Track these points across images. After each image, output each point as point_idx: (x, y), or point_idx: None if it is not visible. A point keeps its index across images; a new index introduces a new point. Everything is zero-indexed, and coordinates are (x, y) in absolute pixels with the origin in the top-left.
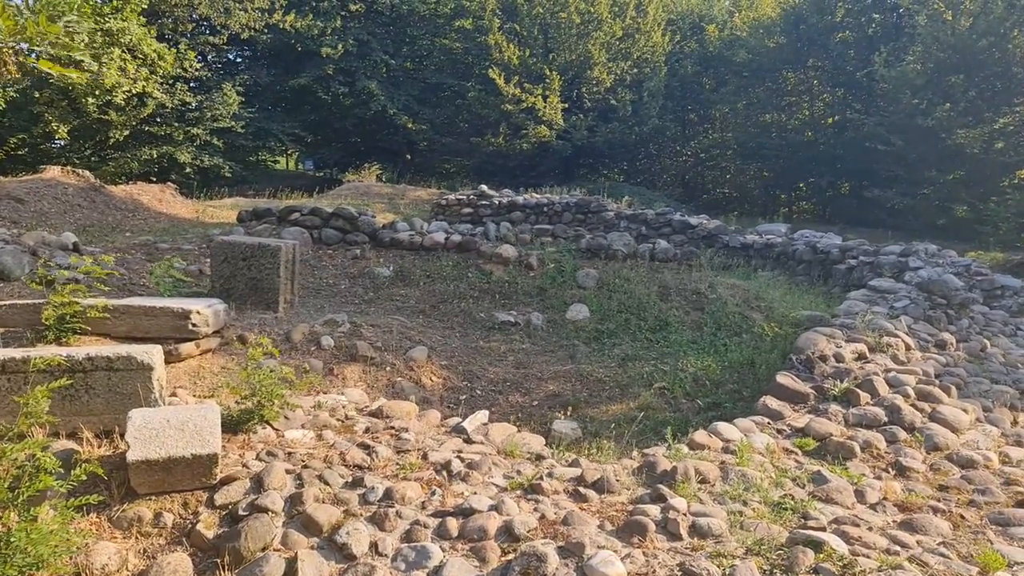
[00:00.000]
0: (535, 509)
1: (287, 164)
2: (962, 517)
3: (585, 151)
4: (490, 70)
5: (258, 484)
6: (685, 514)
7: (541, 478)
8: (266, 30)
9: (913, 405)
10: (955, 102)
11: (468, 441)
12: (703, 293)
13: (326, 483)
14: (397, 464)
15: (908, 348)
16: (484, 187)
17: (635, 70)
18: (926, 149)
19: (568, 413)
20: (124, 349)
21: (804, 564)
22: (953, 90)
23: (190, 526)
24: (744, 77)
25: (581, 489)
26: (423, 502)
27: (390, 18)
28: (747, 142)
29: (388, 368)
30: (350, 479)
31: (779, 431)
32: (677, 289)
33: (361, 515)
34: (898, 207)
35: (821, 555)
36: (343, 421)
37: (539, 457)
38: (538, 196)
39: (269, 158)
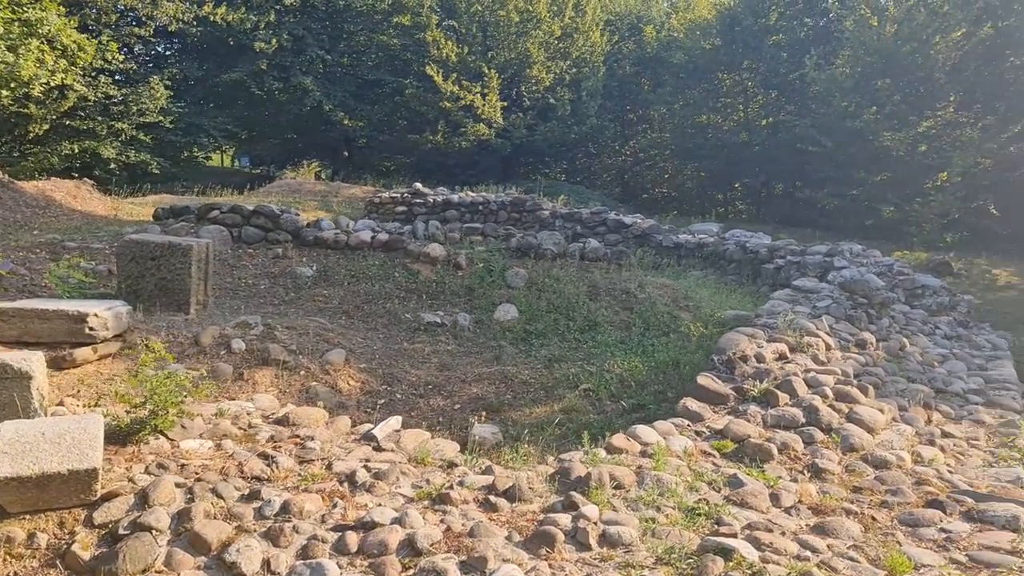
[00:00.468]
0: (442, 520)
1: (222, 161)
2: (873, 519)
3: (525, 150)
4: (428, 67)
5: (143, 500)
6: (596, 523)
7: (451, 487)
8: (196, 23)
9: (831, 406)
10: (881, 105)
11: (378, 449)
12: (633, 293)
13: (220, 497)
14: (299, 475)
15: (828, 348)
16: (419, 185)
17: (574, 69)
18: (855, 151)
19: (490, 417)
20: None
21: (713, 573)
22: (879, 94)
23: (65, 547)
24: (681, 78)
25: (492, 498)
26: (323, 515)
27: (326, 13)
28: (684, 142)
29: (303, 372)
30: (246, 492)
31: (698, 433)
32: (607, 289)
33: (255, 531)
34: (829, 207)
35: (731, 563)
36: (246, 430)
37: (451, 465)
38: (473, 195)
39: (201, 154)
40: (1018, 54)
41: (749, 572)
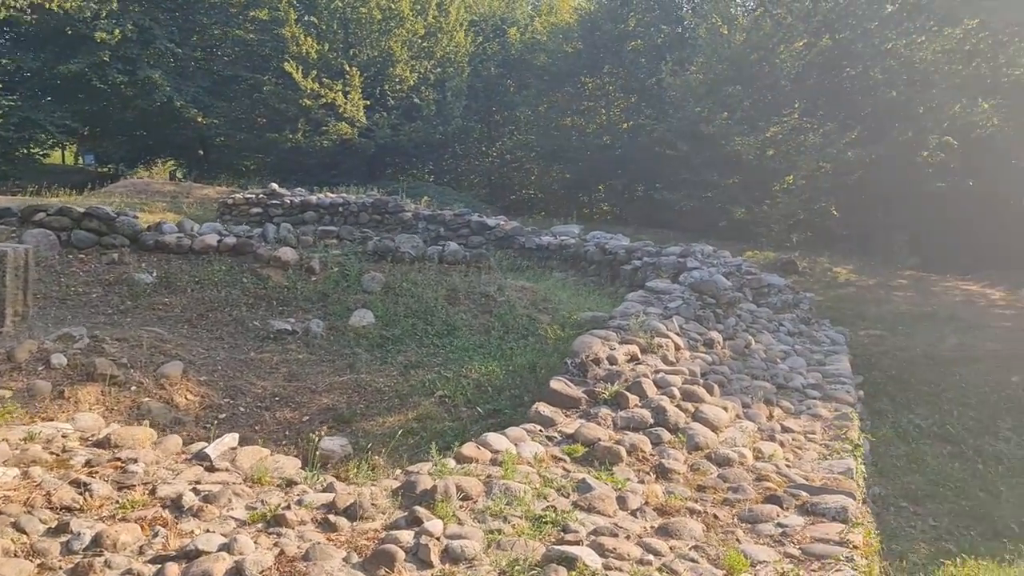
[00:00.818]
0: (275, 544)
1: (63, 158)
2: (716, 517)
3: (390, 150)
4: (287, 63)
5: None
6: (439, 538)
7: (288, 507)
8: (30, 10)
9: (678, 405)
10: (732, 111)
11: (211, 469)
12: (492, 296)
13: (22, 531)
14: (116, 503)
15: (678, 348)
16: (274, 186)
17: (439, 69)
18: (709, 154)
19: (340, 428)
20: None
21: None
22: (731, 100)
23: None
24: (545, 80)
25: (332, 517)
26: (141, 546)
27: (175, 3)
28: (549, 144)
29: (134, 387)
30: (54, 525)
31: (550, 438)
32: (466, 292)
33: (61, 568)
34: (686, 209)
35: (574, 572)
36: (59, 454)
37: (290, 483)
38: (333, 196)
39: (39, 151)
40: (854, 65)
41: None
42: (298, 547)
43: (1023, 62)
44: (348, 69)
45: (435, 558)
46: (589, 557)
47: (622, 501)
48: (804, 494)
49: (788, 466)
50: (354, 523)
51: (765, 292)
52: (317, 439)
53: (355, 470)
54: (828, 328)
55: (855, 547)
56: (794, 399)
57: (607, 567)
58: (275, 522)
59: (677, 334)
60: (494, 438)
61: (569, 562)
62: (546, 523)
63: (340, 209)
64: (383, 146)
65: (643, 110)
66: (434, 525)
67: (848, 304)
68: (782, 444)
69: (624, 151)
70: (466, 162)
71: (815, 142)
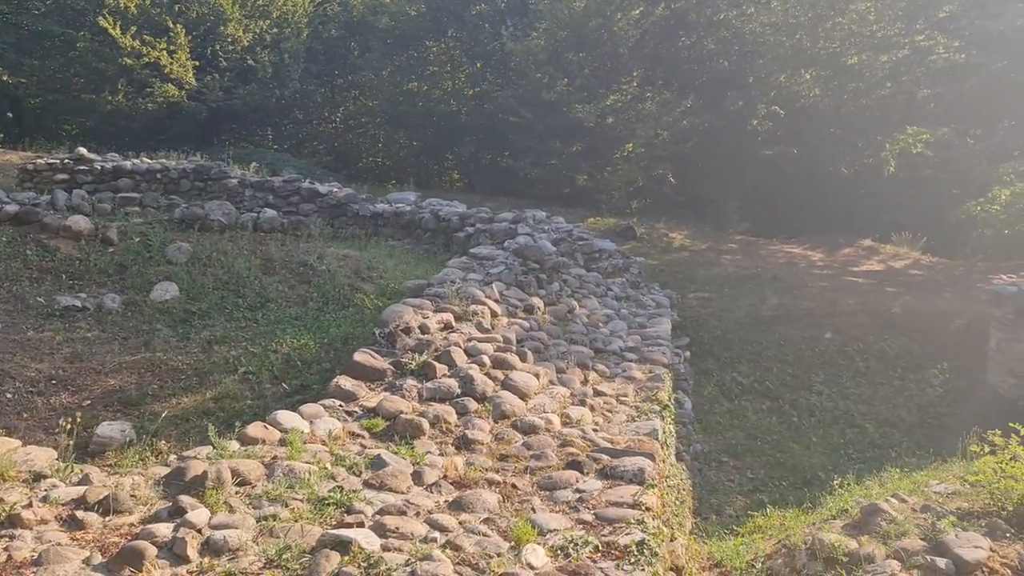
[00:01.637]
0: (5, 549)
1: None
2: (514, 487)
3: (224, 114)
4: (102, 18)
5: None
6: (202, 529)
7: (28, 505)
8: None
9: (487, 374)
10: (573, 78)
11: None
12: (311, 265)
13: None
14: None
15: (495, 315)
16: (83, 150)
17: (275, 30)
18: (552, 122)
19: (126, 412)
20: None
21: (326, 570)
22: (571, 67)
23: None
24: (388, 44)
25: (80, 513)
26: None
27: None
28: (394, 110)
29: None
30: None
31: (350, 414)
32: (283, 262)
33: None
34: (531, 176)
35: (347, 557)
36: None
37: (39, 477)
38: (151, 161)
39: None
40: (689, 35)
41: (365, 564)
42: (32, 550)
43: (837, 36)
44: (173, 26)
45: (192, 552)
46: (367, 539)
47: (418, 476)
48: (606, 458)
49: (595, 430)
50: (107, 518)
51: (596, 257)
52: (96, 426)
53: (134, 458)
54: (657, 292)
55: (647, 509)
56: (611, 363)
57: (386, 548)
58: (9, 523)
59: (496, 301)
60: (285, 416)
61: (343, 546)
62: (329, 505)
63: (159, 176)
64: (216, 110)
65: (487, 76)
66: (199, 515)
67: (681, 268)
68: (592, 408)
69: (470, 118)
70: (308, 128)
71: (653, 110)
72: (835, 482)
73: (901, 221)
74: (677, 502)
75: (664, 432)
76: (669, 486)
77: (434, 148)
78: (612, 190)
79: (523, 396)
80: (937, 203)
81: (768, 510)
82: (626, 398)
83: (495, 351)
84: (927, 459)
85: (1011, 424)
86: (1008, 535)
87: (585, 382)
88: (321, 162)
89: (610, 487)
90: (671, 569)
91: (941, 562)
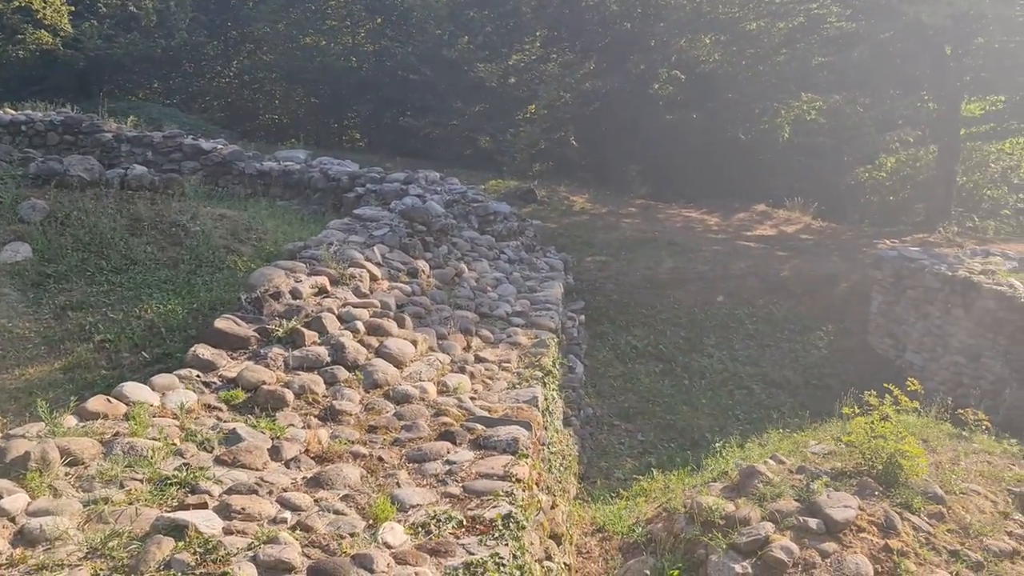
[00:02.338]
0: None
1: None
2: (381, 460)
3: (104, 64)
4: None
5: None
6: (15, 517)
7: None
8: None
9: (361, 341)
10: (474, 36)
11: None
12: (184, 225)
13: None
14: None
15: (375, 279)
16: None
17: None
18: (453, 80)
19: None
20: None
21: (157, 558)
22: (472, 24)
23: None
24: None
25: None
26: None
27: None
28: (289, 65)
29: None
30: None
31: (207, 385)
32: (152, 221)
33: None
34: (432, 137)
35: (182, 543)
36: None
37: None
38: (14, 113)
39: None
40: None
41: (201, 550)
42: None
43: (737, 1)
44: None
45: (2, 543)
46: (207, 522)
47: (276, 451)
48: (480, 427)
49: (473, 398)
50: None
51: (491, 220)
52: None
53: None
54: (553, 255)
55: (518, 480)
56: (497, 328)
57: (228, 531)
58: None
59: (377, 264)
60: (133, 388)
61: (178, 531)
62: (172, 485)
63: (23, 128)
64: (95, 60)
65: (388, 32)
66: (15, 501)
67: (580, 231)
68: (473, 376)
69: (371, 75)
70: (200, 82)
71: (555, 72)
72: (717, 444)
73: (795, 186)
74: (561, 468)
75: (546, 399)
76: (552, 452)
77: (334, 106)
78: (514, 152)
79: (398, 364)
80: (829, 169)
81: (654, 473)
82: (509, 364)
83: (371, 317)
84: (809, 419)
85: (886, 384)
86: (877, 493)
87: (468, 348)
88: (213, 118)
89: (482, 458)
90: (550, 536)
91: (813, 522)
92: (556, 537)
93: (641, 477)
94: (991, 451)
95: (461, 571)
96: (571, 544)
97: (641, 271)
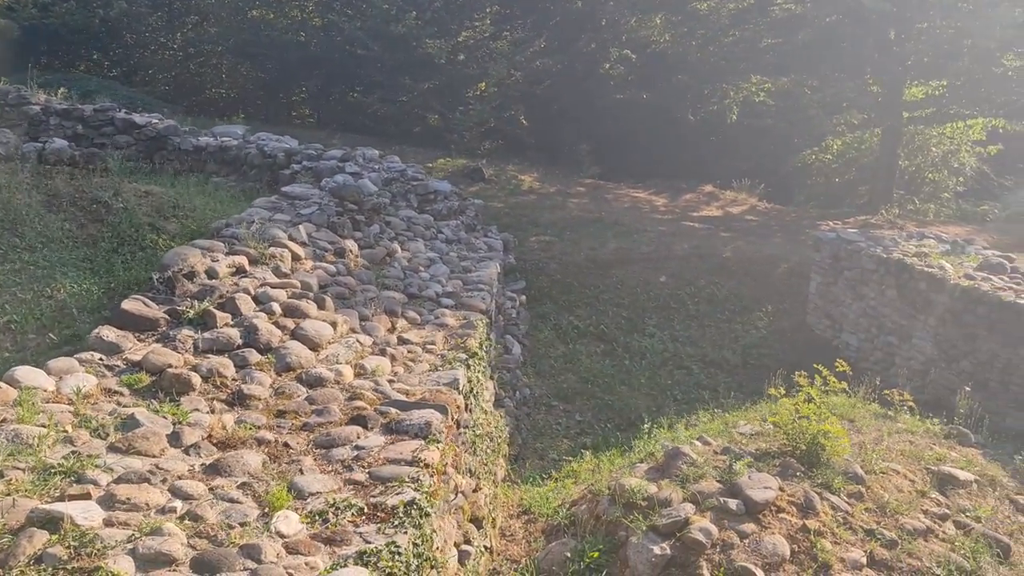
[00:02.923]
0: None
1: None
2: (287, 446)
3: (40, 34)
4: None
5: None
6: None
7: None
8: None
9: (276, 322)
10: (423, 11)
11: None
12: (106, 202)
13: None
14: None
15: (298, 258)
16: None
17: None
18: (402, 57)
19: None
20: None
21: (27, 552)
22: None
23: None
24: None
25: None
26: None
27: None
28: (235, 38)
29: None
30: None
31: (110, 368)
32: (72, 198)
33: None
34: (381, 114)
35: (56, 536)
36: None
37: None
38: None
39: None
40: None
41: (76, 544)
42: None
43: None
44: None
45: None
46: (85, 513)
47: (176, 437)
48: (394, 411)
49: (392, 381)
50: None
51: (431, 199)
52: None
53: None
54: (494, 235)
55: (426, 465)
56: (425, 309)
57: (109, 522)
58: None
59: (302, 243)
60: (25, 372)
61: (53, 523)
62: (56, 475)
63: None
64: (30, 29)
65: (335, 6)
66: None
67: (526, 211)
68: (394, 358)
69: (319, 50)
70: (142, 54)
71: (506, 49)
72: (646, 425)
73: (743, 168)
74: (489, 450)
75: (470, 381)
76: (477, 435)
77: (282, 81)
78: (463, 130)
79: (314, 346)
80: (777, 151)
81: (587, 455)
82: (434, 346)
83: (289, 298)
84: (745, 400)
85: (815, 365)
86: (799, 474)
87: (392, 330)
88: (156, 92)
89: (392, 443)
90: (471, 520)
91: (733, 503)
92: (477, 520)
93: (570, 459)
94: (914, 431)
95: (353, 560)
96: (494, 527)
97: (585, 251)
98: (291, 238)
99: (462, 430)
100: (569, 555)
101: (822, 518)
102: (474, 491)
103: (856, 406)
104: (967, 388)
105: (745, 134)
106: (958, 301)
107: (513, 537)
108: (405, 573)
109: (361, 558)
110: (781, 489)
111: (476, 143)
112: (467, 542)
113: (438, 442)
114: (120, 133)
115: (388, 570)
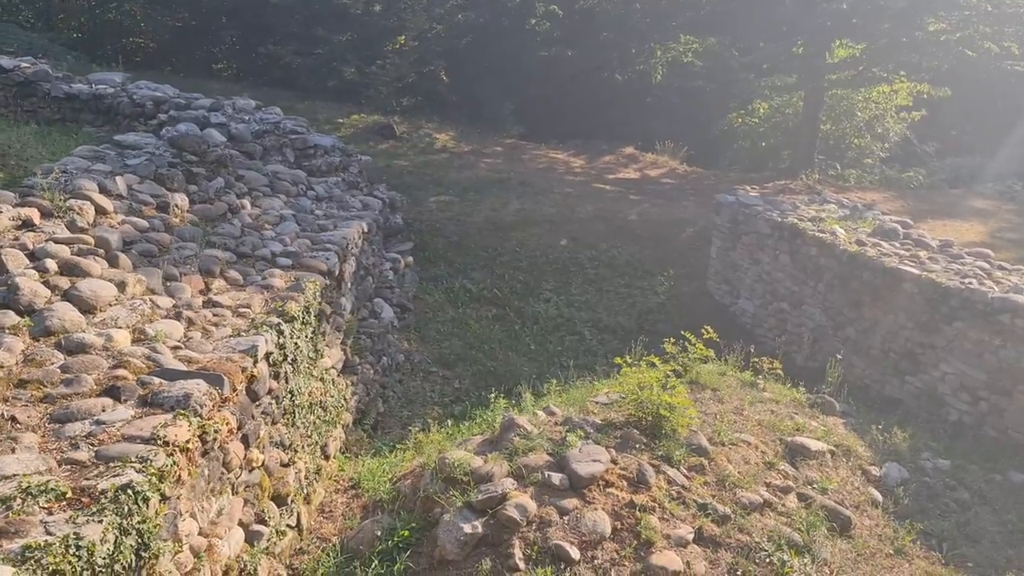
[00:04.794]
0: None
1: None
2: (14, 420)
3: None
4: None
5: None
6: None
7: None
8: None
9: (47, 282)
10: None
11: None
12: None
13: None
14: None
15: (104, 212)
16: None
17: None
18: (317, 7)
19: None
20: None
21: None
22: None
23: None
24: None
25: None
26: None
27: None
28: None
29: None
30: None
31: None
32: None
33: None
34: (296, 67)
35: None
36: None
37: None
38: None
39: None
40: None
41: None
42: None
43: None
44: None
45: None
46: None
47: None
48: (159, 381)
49: (178, 348)
50: None
51: (310, 154)
52: None
53: None
54: (382, 192)
55: (166, 443)
56: (255, 269)
57: None
58: None
59: (118, 196)
60: None
61: None
62: None
63: None
64: None
65: None
66: None
67: (432, 170)
68: (191, 322)
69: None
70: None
71: (424, 1)
72: (492, 394)
73: (670, 130)
74: (317, 421)
75: (282, 347)
76: (297, 405)
77: (200, 32)
78: (380, 86)
79: (89, 309)
80: (706, 114)
81: (450, 423)
82: (247, 309)
83: (72, 255)
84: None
85: (683, 332)
86: (639, 446)
87: (206, 291)
88: (63, 39)
89: (140, 417)
90: (272, 498)
91: (556, 478)
92: (280, 498)
93: (415, 429)
94: (779, 399)
95: (16, 555)
96: (310, 504)
97: (486, 212)
98: (102, 190)
99: (264, 400)
100: (380, 533)
101: (653, 492)
102: (284, 466)
103: (727, 374)
104: (838, 356)
105: (673, 95)
106: (845, 266)
107: (331, 514)
108: (85, 569)
109: (24, 553)
110: (613, 462)
111: (393, 99)
112: (261, 522)
113: (198, 416)
114: None
115: (53, 567)
